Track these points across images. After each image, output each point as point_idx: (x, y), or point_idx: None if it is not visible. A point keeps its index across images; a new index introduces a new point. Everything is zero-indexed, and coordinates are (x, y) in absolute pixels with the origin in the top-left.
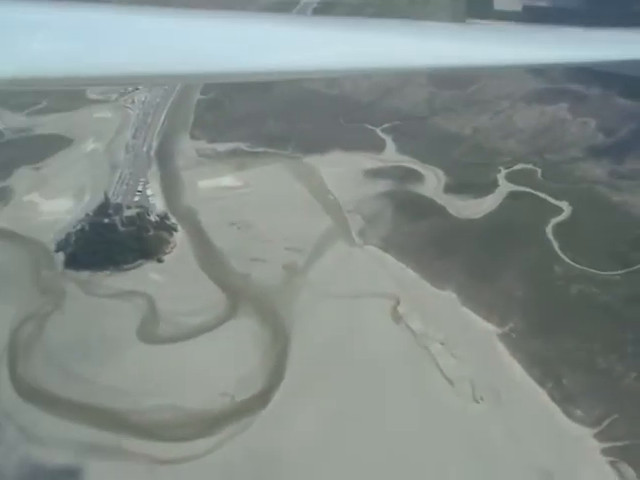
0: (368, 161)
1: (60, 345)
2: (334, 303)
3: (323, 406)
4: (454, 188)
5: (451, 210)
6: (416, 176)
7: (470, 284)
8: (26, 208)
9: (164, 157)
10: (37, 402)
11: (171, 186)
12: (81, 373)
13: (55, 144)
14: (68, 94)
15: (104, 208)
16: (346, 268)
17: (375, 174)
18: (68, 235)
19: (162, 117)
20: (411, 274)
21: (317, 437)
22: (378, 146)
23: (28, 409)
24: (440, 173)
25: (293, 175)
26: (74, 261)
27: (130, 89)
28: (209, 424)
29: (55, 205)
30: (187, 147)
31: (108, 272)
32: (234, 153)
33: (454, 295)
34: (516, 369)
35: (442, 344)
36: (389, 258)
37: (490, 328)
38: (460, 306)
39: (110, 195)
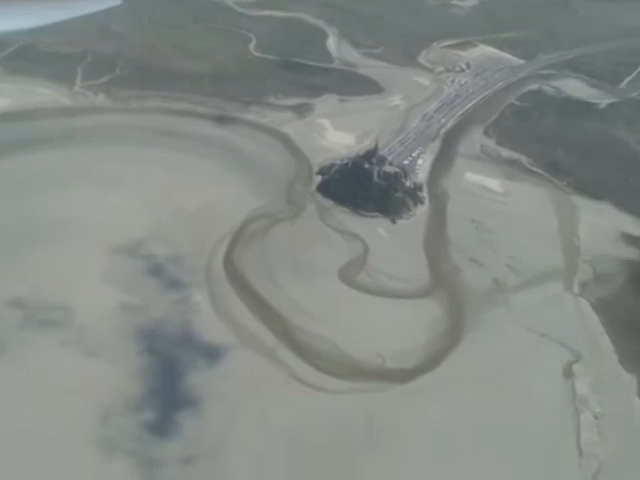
0: (633, 226)
1: (275, 249)
2: (518, 331)
3: (452, 410)
4: None
5: None
6: None
7: None
8: (315, 128)
9: (450, 138)
10: (233, 283)
11: (441, 165)
12: (278, 280)
13: (368, 87)
14: (406, 52)
15: (370, 155)
16: (550, 308)
17: (632, 241)
18: (332, 165)
19: (469, 105)
20: (607, 343)
21: (433, 430)
22: None
23: (224, 284)
24: None
25: (553, 206)
26: (325, 188)
27: (457, 69)
28: (352, 372)
29: (338, 136)
30: (475, 139)
31: (346, 209)
32: (513, 163)
33: (636, 381)
34: None
35: (595, 418)
36: (595, 319)
37: None
38: (636, 395)
39: (383, 148)
